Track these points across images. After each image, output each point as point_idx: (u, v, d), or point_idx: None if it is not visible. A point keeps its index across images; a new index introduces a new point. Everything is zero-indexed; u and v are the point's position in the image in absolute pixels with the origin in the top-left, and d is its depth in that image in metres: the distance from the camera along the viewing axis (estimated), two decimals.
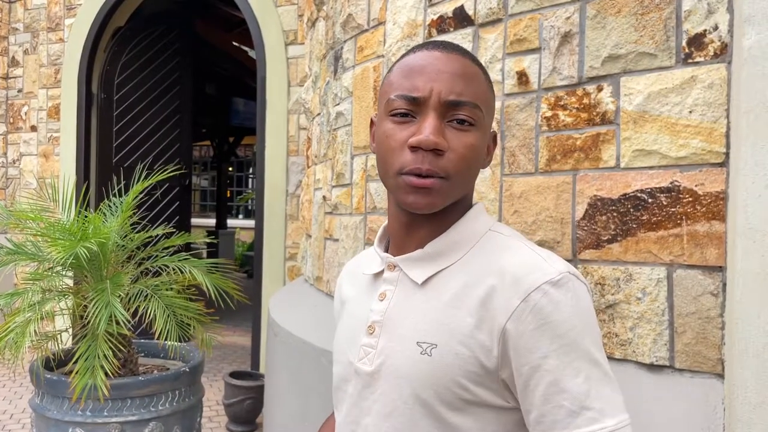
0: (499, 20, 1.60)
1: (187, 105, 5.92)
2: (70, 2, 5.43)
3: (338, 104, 2.33)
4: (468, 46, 1.69)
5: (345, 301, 0.97)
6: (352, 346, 0.87)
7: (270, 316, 2.72)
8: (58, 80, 5.46)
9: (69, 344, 2.98)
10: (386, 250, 0.91)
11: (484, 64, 1.63)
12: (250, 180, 18.83)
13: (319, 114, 2.67)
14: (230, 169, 17.44)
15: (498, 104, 1.61)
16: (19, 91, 5.74)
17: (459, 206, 0.85)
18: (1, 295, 2.42)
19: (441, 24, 1.76)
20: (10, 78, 5.79)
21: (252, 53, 7.55)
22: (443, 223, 0.84)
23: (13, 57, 5.79)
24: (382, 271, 0.89)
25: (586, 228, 1.42)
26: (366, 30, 2.12)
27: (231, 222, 14.42)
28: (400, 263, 0.85)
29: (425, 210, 0.80)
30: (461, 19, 1.70)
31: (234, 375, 3.80)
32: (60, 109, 5.42)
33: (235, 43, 7.63)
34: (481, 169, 0.86)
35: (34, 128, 5.64)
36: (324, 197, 2.51)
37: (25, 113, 5.70)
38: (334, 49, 2.40)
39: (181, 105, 5.85)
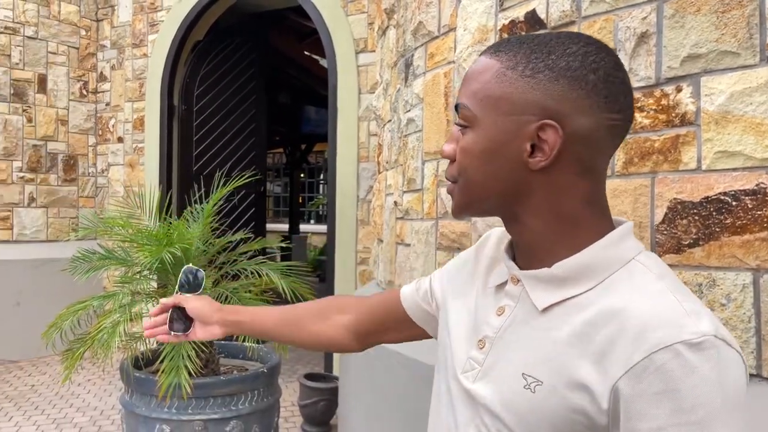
0: (572, 23, 1.59)
1: (261, 114, 6.12)
2: (153, 19, 5.72)
3: (409, 111, 2.36)
4: None
5: (475, 272, 0.88)
6: (459, 352, 0.81)
7: None
8: (143, 93, 5.76)
9: (154, 345, 3.13)
10: (514, 257, 0.81)
11: None
12: (320, 186, 19.16)
13: (389, 121, 2.71)
14: (302, 175, 17.82)
15: None
16: (107, 104, 6.09)
17: (540, 212, 0.74)
18: (94, 297, 2.59)
19: (512, 29, 1.76)
20: (99, 92, 6.16)
21: (323, 62, 7.72)
22: (518, 233, 0.77)
23: (101, 72, 6.15)
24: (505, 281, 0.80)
25: (665, 232, 1.39)
26: (437, 37, 2.14)
27: (303, 227, 14.73)
28: (524, 280, 0.76)
29: (454, 215, 0.81)
30: (533, 22, 1.69)
31: (308, 377, 3.88)
32: (144, 121, 5.72)
33: (306, 53, 7.82)
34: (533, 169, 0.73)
35: (120, 139, 5.97)
36: (395, 202, 2.54)
37: (113, 125, 6.04)
38: (404, 57, 2.43)
39: (256, 114, 6.05)
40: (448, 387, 0.82)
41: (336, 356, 4.36)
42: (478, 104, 0.73)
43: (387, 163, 2.78)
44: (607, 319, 0.67)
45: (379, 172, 3.09)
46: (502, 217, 0.78)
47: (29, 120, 5.62)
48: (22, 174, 5.59)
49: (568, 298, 0.72)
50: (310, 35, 6.94)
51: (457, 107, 0.76)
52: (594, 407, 0.65)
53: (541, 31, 1.67)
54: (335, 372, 4.28)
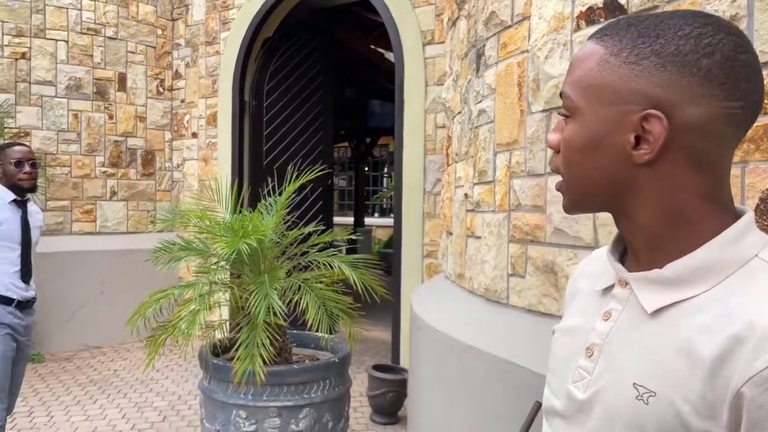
0: (655, 7, 1.53)
1: (329, 108, 6.20)
2: (225, 17, 5.89)
3: (480, 102, 2.34)
4: None
5: (576, 293, 0.86)
6: (569, 363, 0.77)
7: (413, 311, 2.79)
8: (215, 90, 5.94)
9: (225, 334, 3.23)
10: (621, 259, 0.77)
11: None
12: (384, 179, 19.25)
13: (459, 112, 2.70)
14: (366, 168, 17.94)
15: None
16: (182, 101, 6.32)
17: (650, 208, 0.70)
18: (175, 286, 2.70)
19: (590, 15, 1.71)
20: (174, 89, 6.40)
21: (389, 55, 7.73)
22: (628, 230, 0.73)
23: (177, 70, 6.38)
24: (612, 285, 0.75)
25: (757, 224, 1.32)
26: (510, 26, 2.11)
27: (367, 220, 14.85)
28: (633, 282, 0.71)
29: (566, 211, 0.76)
30: (612, 9, 1.64)
31: (377, 368, 3.93)
32: (217, 117, 5.90)
33: (372, 46, 7.85)
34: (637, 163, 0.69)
35: (195, 135, 6.19)
36: (465, 195, 2.52)
37: (187, 121, 6.26)
38: (476, 47, 2.40)
39: (323, 108, 6.14)
40: (555, 407, 0.78)
41: (403, 348, 4.39)
42: (580, 93, 0.70)
43: (456, 155, 2.77)
44: (726, 324, 0.61)
45: (448, 165, 3.08)
46: (612, 213, 0.74)
47: (110, 117, 5.90)
48: (104, 169, 5.88)
49: (681, 301, 0.66)
50: (376, 29, 6.97)
51: (562, 96, 0.73)
52: (710, 420, 0.60)
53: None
54: (401, 364, 4.31)
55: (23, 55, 5.44)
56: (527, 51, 2.01)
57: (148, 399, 4.32)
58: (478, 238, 2.35)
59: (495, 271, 2.17)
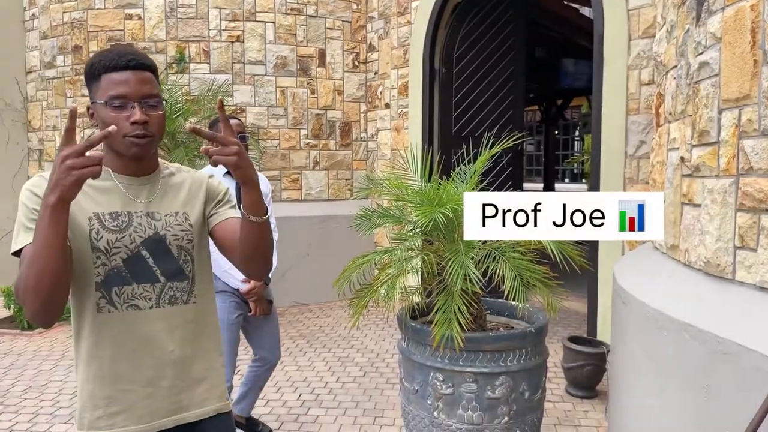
0: None
1: (519, 71, 6.01)
2: None
3: (701, 53, 2.09)
4: None
5: None
6: None
7: (617, 283, 2.63)
8: (407, 60, 6.04)
9: (422, 298, 3.30)
10: None
11: None
12: (576, 143, 18.36)
13: (675, 66, 2.44)
14: (556, 132, 17.22)
15: None
16: (375, 73, 6.53)
17: None
18: (376, 252, 2.82)
19: None
20: (368, 62, 6.63)
21: (584, 11, 7.26)
22: None
23: (370, 43, 6.59)
24: None
25: None
26: None
27: (557, 186, 14.31)
28: None
29: None
30: None
31: (572, 340, 3.79)
32: (408, 87, 6.01)
33: (565, 2, 7.42)
34: None
35: (387, 105, 6.38)
36: (682, 158, 2.29)
37: (380, 92, 6.47)
38: None
39: (514, 72, 5.96)
40: None
41: (600, 321, 4.18)
42: None
43: (670, 114, 2.52)
44: None
45: (659, 125, 2.82)
46: None
47: (312, 92, 6.30)
48: (307, 141, 6.32)
49: None
50: None
51: None
52: None
53: None
54: (598, 337, 4.11)
55: (237, 38, 5.99)
56: None
57: (350, 355, 4.62)
58: (697, 206, 2.12)
59: (718, 243, 1.95)
